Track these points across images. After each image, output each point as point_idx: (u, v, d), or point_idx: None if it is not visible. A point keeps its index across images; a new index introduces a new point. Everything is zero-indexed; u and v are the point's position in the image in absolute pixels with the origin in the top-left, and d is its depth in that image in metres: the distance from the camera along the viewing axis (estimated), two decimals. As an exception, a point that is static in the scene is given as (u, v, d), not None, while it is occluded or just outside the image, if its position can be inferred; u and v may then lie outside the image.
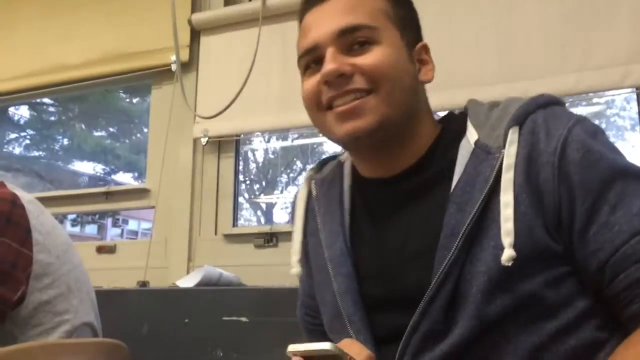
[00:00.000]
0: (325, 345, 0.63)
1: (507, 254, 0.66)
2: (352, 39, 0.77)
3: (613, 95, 1.59)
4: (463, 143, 0.77)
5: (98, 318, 1.30)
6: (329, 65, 0.76)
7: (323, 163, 0.95)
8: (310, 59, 0.80)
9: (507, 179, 0.69)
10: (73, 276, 1.21)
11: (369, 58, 0.76)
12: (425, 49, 0.83)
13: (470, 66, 1.61)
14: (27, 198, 1.17)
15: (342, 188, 0.87)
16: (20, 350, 1.06)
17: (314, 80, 0.79)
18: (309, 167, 2.36)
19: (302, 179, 0.99)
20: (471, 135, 0.76)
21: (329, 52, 0.76)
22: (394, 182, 0.81)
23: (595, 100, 1.62)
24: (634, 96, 1.56)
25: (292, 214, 0.95)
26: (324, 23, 0.78)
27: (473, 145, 0.75)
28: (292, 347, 0.64)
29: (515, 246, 0.66)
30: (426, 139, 0.81)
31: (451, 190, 0.73)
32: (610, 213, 0.66)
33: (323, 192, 0.89)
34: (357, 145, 0.80)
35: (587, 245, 0.67)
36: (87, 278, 1.29)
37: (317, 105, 0.80)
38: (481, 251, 0.69)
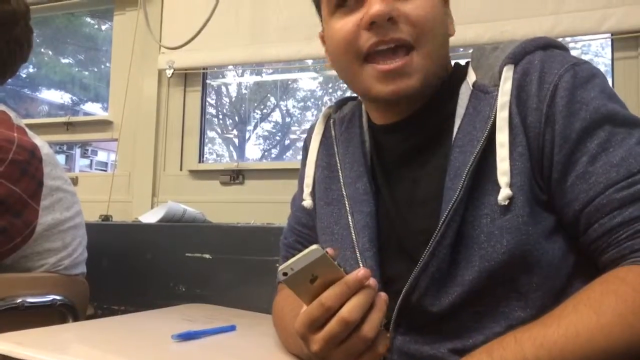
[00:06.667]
0: (312, 247, 0.60)
1: (504, 193, 0.66)
2: None
3: (590, 40, 1.56)
4: (463, 87, 0.75)
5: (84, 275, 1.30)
6: (378, 6, 0.70)
7: (343, 102, 0.93)
8: None
9: (502, 117, 0.68)
10: (70, 234, 1.22)
11: (417, 7, 0.71)
12: (448, 1, 0.80)
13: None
14: (45, 150, 1.16)
15: (362, 129, 0.86)
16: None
17: (350, 22, 0.74)
18: (282, 103, 2.32)
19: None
20: (470, 78, 0.75)
21: None
22: (399, 128, 0.79)
23: (571, 45, 1.58)
24: (610, 42, 1.53)
25: (305, 148, 0.95)
26: None
27: (471, 88, 0.73)
28: (283, 267, 0.61)
29: (512, 186, 0.66)
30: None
31: (453, 135, 0.72)
32: (589, 163, 0.65)
33: (341, 131, 0.88)
34: (397, 102, 0.76)
35: (564, 196, 0.67)
36: (84, 238, 1.29)
37: (353, 53, 0.74)
38: (484, 195, 0.68)
